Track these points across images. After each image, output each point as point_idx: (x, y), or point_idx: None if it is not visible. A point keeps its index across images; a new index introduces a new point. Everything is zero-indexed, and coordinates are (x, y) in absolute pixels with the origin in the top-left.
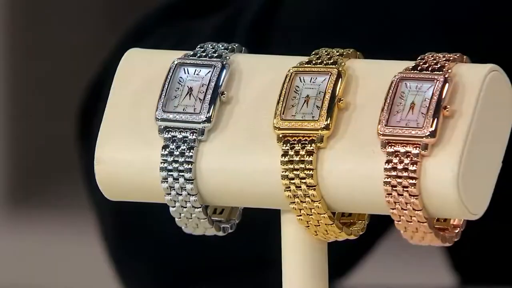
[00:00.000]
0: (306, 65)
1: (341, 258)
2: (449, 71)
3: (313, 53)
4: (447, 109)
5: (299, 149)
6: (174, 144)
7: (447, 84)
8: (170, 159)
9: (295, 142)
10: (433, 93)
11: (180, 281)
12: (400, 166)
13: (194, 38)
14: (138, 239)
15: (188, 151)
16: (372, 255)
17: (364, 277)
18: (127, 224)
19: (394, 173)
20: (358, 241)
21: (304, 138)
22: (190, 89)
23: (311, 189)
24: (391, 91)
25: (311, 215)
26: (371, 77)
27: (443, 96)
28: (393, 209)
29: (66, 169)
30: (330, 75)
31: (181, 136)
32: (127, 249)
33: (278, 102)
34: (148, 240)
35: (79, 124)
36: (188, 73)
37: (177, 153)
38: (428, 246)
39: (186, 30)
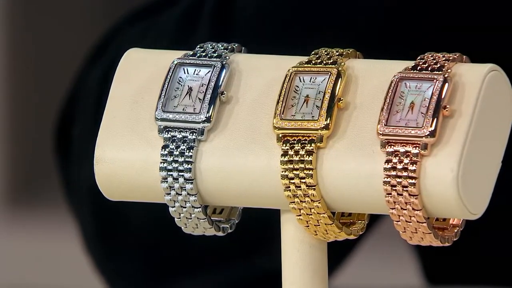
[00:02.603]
0: (305, 65)
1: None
2: (449, 70)
3: (313, 53)
4: (446, 109)
5: (298, 148)
6: (174, 144)
7: (446, 84)
8: (169, 159)
9: (295, 142)
10: (432, 93)
11: (162, 275)
12: (399, 166)
13: (155, 31)
14: (118, 237)
15: (187, 151)
16: (371, 255)
17: (362, 277)
18: (106, 222)
19: (393, 173)
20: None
21: (304, 138)
22: (190, 89)
23: (311, 188)
24: (390, 91)
25: (311, 215)
26: (370, 77)
27: (442, 96)
28: (392, 208)
29: None
30: (330, 75)
31: (180, 136)
32: (107, 248)
33: (277, 102)
34: (128, 237)
35: (56, 136)
36: (187, 73)
37: (177, 153)
38: (407, 247)
39: (149, 25)
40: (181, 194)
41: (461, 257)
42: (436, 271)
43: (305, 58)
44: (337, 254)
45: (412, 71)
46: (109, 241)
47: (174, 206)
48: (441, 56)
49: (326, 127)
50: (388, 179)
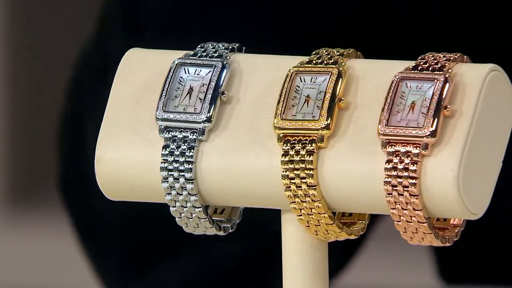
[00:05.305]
0: (306, 65)
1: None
2: (450, 70)
3: (314, 52)
4: (447, 109)
5: (299, 148)
6: (175, 144)
7: (447, 84)
8: (170, 159)
9: (296, 142)
10: (433, 93)
11: (150, 260)
12: (400, 166)
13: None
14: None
15: (188, 151)
16: (374, 255)
17: (364, 277)
18: (87, 209)
19: (394, 173)
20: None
21: (305, 138)
22: (191, 89)
23: (312, 189)
24: (391, 91)
25: (312, 215)
26: (371, 77)
27: (443, 96)
28: (393, 209)
29: None
30: (331, 75)
31: (181, 136)
32: (101, 242)
33: (278, 102)
34: (110, 224)
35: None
36: (188, 73)
37: (178, 153)
38: (417, 246)
39: None
40: (182, 194)
41: (475, 255)
42: (451, 270)
43: (305, 58)
44: (343, 254)
45: (412, 71)
46: (91, 227)
47: (175, 206)
48: (442, 56)
49: (327, 127)
50: (389, 179)
